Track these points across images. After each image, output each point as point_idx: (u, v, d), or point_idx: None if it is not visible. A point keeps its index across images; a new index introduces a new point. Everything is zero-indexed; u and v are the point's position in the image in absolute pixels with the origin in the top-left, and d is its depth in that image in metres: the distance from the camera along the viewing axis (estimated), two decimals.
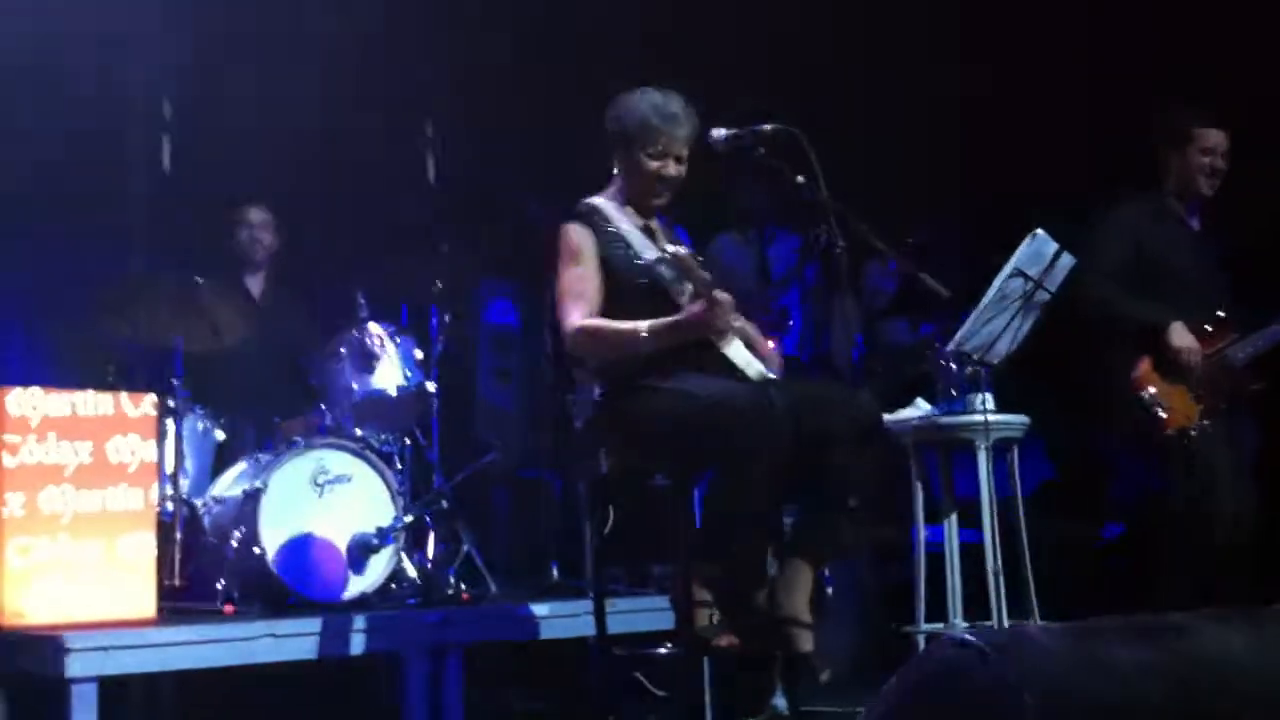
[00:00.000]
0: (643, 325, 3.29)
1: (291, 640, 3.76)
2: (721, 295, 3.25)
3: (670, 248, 3.37)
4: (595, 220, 3.44)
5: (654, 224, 3.59)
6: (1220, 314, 4.41)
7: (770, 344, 3.62)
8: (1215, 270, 4.52)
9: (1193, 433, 4.33)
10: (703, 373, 3.30)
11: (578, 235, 3.43)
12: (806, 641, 3.22)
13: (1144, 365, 4.38)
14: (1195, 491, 4.31)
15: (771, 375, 3.40)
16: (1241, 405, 4.43)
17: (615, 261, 3.41)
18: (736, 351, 3.37)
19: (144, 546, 3.85)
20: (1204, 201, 4.56)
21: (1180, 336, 4.35)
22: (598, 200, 3.51)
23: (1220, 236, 4.61)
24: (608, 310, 3.39)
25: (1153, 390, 4.37)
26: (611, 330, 3.35)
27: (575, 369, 3.72)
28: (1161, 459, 4.40)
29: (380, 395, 4.66)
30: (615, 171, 3.55)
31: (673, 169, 3.47)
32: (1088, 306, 4.41)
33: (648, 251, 3.41)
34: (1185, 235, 4.54)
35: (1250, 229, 4.64)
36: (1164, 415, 4.35)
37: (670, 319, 3.29)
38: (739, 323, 3.46)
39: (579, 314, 3.37)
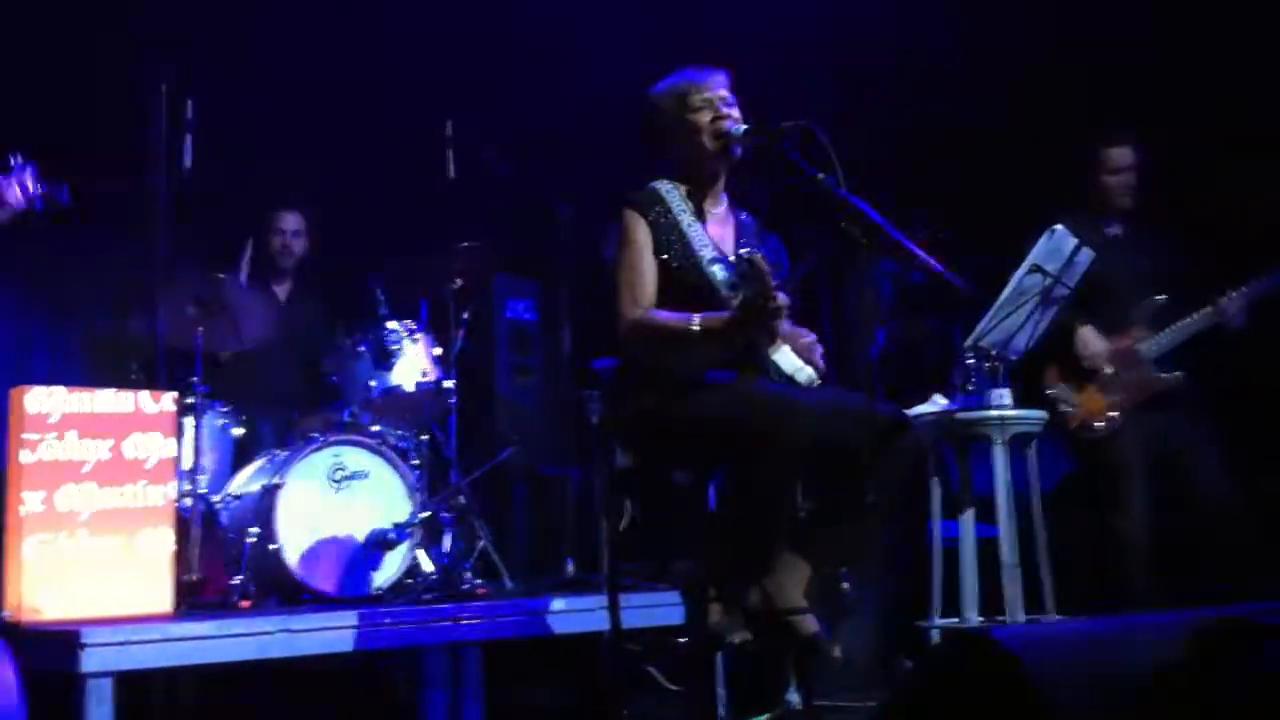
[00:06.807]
0: (695, 319, 3.22)
1: (308, 636, 3.75)
2: (782, 300, 3.16)
3: (745, 252, 3.30)
4: (654, 209, 3.37)
5: (720, 210, 3.48)
6: (1145, 303, 4.49)
7: (818, 348, 3.49)
8: (1141, 273, 4.54)
9: (1097, 425, 4.43)
10: (739, 373, 3.25)
11: (634, 224, 3.36)
12: (810, 625, 3.21)
13: (1053, 365, 4.51)
14: (1101, 486, 4.43)
15: (819, 380, 3.33)
16: (1169, 401, 4.46)
17: (669, 258, 3.34)
18: (784, 357, 3.31)
19: (162, 542, 3.87)
20: (1126, 211, 4.65)
21: (1087, 341, 4.48)
22: (662, 186, 3.43)
23: (1145, 239, 4.63)
24: (659, 306, 3.33)
25: (1059, 387, 4.50)
26: (664, 325, 3.28)
27: (596, 364, 3.69)
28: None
29: (398, 391, 4.68)
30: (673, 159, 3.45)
31: (724, 110, 3.39)
32: None
33: (704, 250, 3.35)
34: (1106, 244, 4.52)
35: (1180, 228, 4.65)
36: (1069, 410, 4.48)
37: (724, 316, 3.21)
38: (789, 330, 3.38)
39: (633, 305, 3.31)
